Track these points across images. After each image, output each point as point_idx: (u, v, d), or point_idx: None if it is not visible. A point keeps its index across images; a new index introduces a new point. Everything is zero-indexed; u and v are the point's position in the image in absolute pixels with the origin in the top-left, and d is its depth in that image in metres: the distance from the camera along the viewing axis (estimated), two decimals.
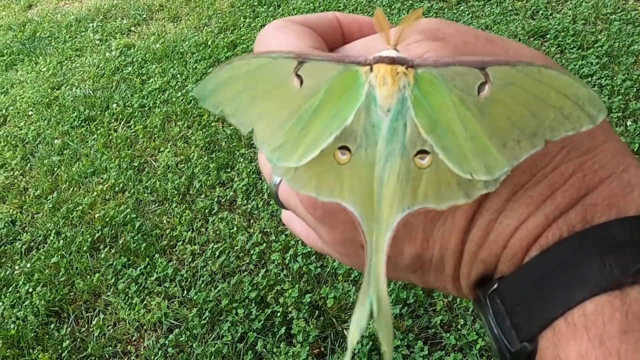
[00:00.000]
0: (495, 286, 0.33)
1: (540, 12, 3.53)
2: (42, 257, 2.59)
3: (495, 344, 0.33)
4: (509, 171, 0.32)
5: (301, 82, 0.34)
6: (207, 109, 0.38)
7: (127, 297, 2.32)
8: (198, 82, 3.57)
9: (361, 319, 0.33)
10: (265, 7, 4.33)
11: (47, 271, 2.51)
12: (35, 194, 3.01)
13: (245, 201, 2.63)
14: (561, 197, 0.32)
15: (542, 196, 0.32)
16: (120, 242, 2.58)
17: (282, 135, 0.35)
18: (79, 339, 2.23)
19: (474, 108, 0.32)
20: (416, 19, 0.32)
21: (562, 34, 3.25)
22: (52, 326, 2.29)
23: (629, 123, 2.53)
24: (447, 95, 0.32)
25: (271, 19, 4.11)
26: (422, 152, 0.33)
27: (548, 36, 3.28)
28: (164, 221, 2.65)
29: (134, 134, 3.30)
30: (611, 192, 0.32)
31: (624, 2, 3.47)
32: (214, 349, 2.03)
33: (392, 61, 0.32)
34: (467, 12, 3.68)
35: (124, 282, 2.38)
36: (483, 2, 3.76)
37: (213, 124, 3.19)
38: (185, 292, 2.29)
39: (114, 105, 3.57)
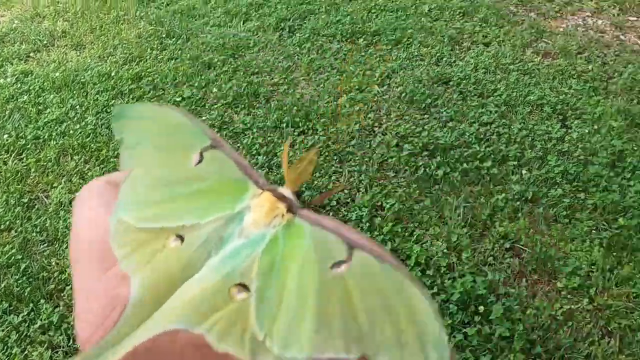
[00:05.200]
0: None
1: (445, 59, 3.65)
2: None
3: None
4: None
5: (200, 161, 0.34)
6: (112, 129, 0.38)
7: (5, 347, 2.13)
8: (99, 114, 3.43)
9: None
10: (173, 39, 4.24)
11: None
12: None
13: None
14: None
15: None
16: (3, 285, 2.38)
17: (148, 192, 0.34)
18: None
19: (318, 278, 0.29)
20: (309, 162, 0.33)
21: (465, 81, 3.37)
22: None
23: (523, 172, 2.62)
24: (303, 252, 0.30)
25: (179, 52, 4.03)
26: (244, 287, 0.30)
27: (451, 83, 3.38)
28: (53, 263, 2.48)
29: (25, 167, 3.10)
30: None
31: (521, 53, 3.65)
32: None
33: (282, 197, 0.31)
34: (375, 55, 3.75)
35: (3, 330, 2.19)
36: (390, 47, 3.84)
37: (112, 159, 3.04)
38: (71, 341, 2.13)
39: (5, 135, 3.35)
